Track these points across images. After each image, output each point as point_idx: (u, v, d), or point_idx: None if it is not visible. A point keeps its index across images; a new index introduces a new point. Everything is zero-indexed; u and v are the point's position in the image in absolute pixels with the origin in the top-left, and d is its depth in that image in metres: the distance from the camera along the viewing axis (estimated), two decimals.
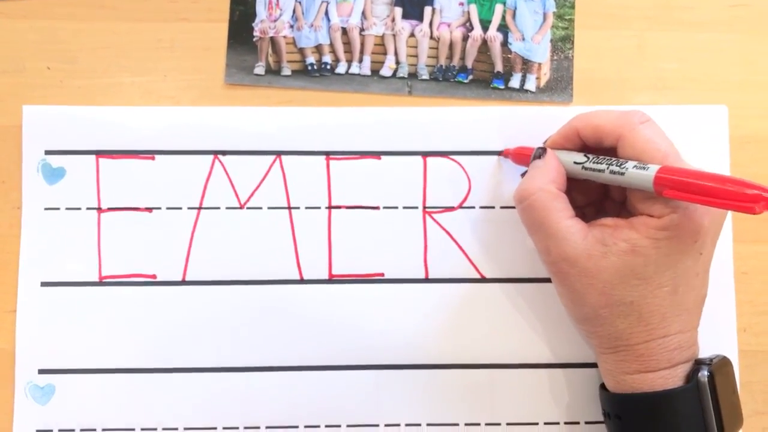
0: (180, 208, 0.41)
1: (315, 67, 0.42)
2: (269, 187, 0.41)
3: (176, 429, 0.40)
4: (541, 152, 0.37)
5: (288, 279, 0.41)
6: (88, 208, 0.41)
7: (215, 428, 0.40)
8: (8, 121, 0.41)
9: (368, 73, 0.42)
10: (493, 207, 0.41)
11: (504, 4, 0.42)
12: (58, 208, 0.41)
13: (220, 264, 0.41)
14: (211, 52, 0.42)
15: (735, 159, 0.42)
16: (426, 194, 0.41)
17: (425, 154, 0.41)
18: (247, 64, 0.42)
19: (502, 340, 0.41)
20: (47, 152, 0.41)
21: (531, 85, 0.42)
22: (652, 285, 0.34)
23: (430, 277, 0.41)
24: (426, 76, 0.42)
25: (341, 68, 0.42)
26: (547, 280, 0.41)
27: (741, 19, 0.43)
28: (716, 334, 0.40)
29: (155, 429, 0.40)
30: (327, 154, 0.41)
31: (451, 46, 0.42)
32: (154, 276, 0.41)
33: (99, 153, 0.41)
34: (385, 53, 0.42)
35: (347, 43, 0.42)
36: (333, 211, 0.41)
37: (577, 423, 0.41)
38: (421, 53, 0.42)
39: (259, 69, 0.42)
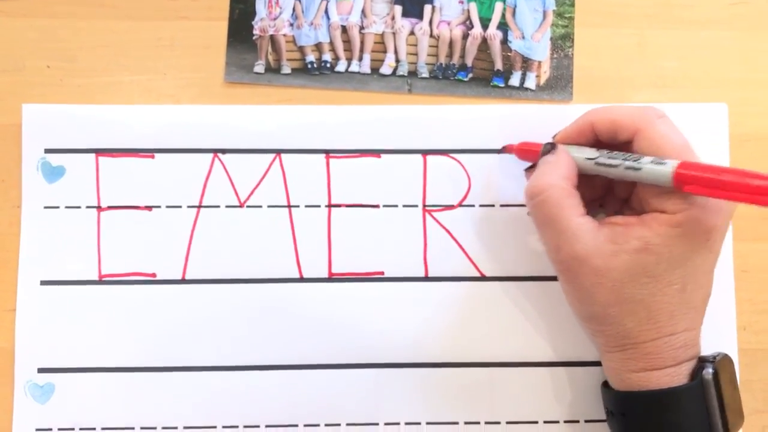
0: (180, 207, 0.41)
1: (315, 66, 0.42)
2: (269, 186, 0.41)
3: (176, 428, 0.40)
4: (550, 147, 0.37)
5: (288, 277, 0.41)
6: (87, 207, 0.41)
7: (215, 427, 0.40)
8: (8, 120, 0.41)
9: (368, 71, 0.42)
10: (493, 205, 0.41)
11: (504, 2, 0.42)
12: (57, 207, 0.41)
13: (220, 263, 0.41)
14: (210, 51, 0.42)
15: (735, 157, 0.42)
16: (426, 192, 0.41)
17: (425, 153, 0.41)
18: (247, 63, 0.42)
19: (502, 338, 0.41)
20: (47, 151, 0.41)
21: (531, 83, 0.42)
22: (662, 283, 0.34)
23: (429, 275, 0.41)
24: (426, 75, 0.42)
25: (341, 66, 0.42)
26: (547, 279, 0.41)
27: (741, 17, 0.43)
28: (716, 333, 0.40)
29: (155, 428, 0.40)
30: (327, 152, 0.41)
31: (450, 44, 0.42)
32: (153, 275, 0.41)
33: (99, 151, 0.41)
34: (384, 51, 0.42)
35: (347, 42, 0.42)
36: (333, 209, 0.41)
37: (577, 422, 0.41)
38: (420, 51, 0.42)
39: (259, 67, 0.42)
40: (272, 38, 0.42)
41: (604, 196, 0.39)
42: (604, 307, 0.35)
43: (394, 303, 0.41)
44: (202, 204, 0.41)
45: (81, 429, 0.40)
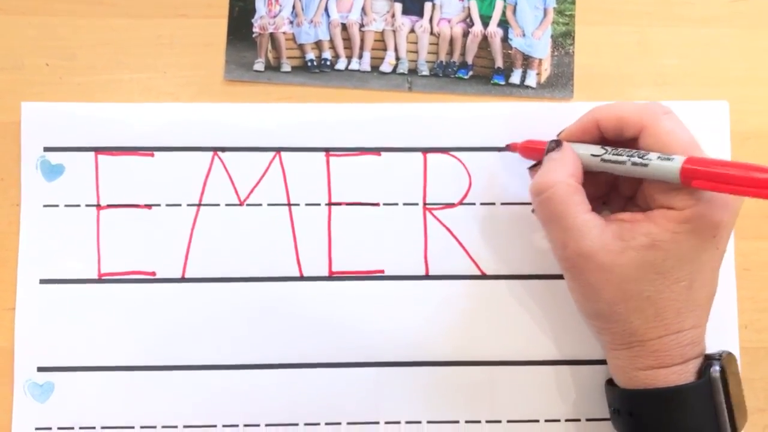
0: (179, 205, 0.41)
1: (315, 63, 0.42)
2: (269, 184, 0.41)
3: (176, 427, 0.40)
4: (555, 145, 0.37)
5: (288, 276, 0.41)
6: (87, 205, 0.41)
7: (215, 426, 0.40)
8: (7, 118, 0.41)
9: (368, 69, 0.42)
10: (494, 203, 0.41)
11: None
12: (57, 205, 0.41)
13: (220, 261, 0.41)
14: (210, 49, 0.42)
15: (736, 155, 0.42)
16: (426, 191, 0.41)
17: (425, 151, 0.41)
18: (247, 61, 0.42)
19: (503, 337, 0.41)
20: (46, 149, 0.41)
21: (531, 80, 0.42)
22: (669, 279, 0.34)
23: (430, 274, 0.41)
24: (426, 72, 0.42)
25: (341, 64, 0.42)
26: (548, 277, 0.41)
27: (741, 15, 0.43)
28: (718, 331, 0.40)
29: (155, 427, 0.40)
30: (327, 150, 0.41)
31: (451, 41, 0.42)
32: (153, 273, 0.41)
33: (98, 150, 0.41)
34: (385, 49, 0.42)
35: (347, 39, 0.42)
36: (333, 207, 0.41)
37: (578, 420, 0.41)
38: (421, 49, 0.42)
39: (259, 65, 0.42)
40: (272, 36, 0.42)
41: (609, 193, 0.39)
42: (611, 304, 0.35)
43: (395, 302, 0.41)
44: (202, 202, 0.41)
45: (81, 428, 0.40)
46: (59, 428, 0.40)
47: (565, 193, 0.35)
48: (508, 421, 0.40)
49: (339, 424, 0.40)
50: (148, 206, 0.41)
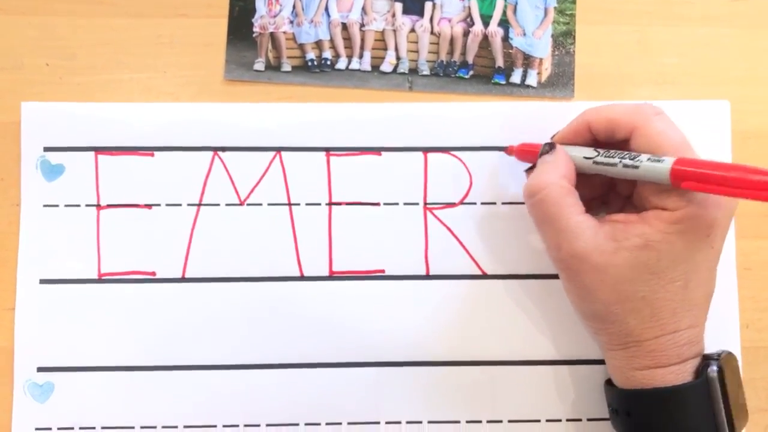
0: (179, 205, 0.41)
1: (315, 63, 0.42)
2: (269, 184, 0.41)
3: (176, 427, 0.40)
4: (549, 147, 0.37)
5: (288, 276, 0.41)
6: (87, 205, 0.41)
7: (215, 426, 0.40)
8: (7, 118, 0.41)
9: (368, 68, 0.42)
10: (495, 203, 0.41)
11: None
12: (57, 205, 0.41)
13: (220, 261, 0.41)
14: (210, 48, 0.42)
15: (737, 154, 0.42)
16: (427, 190, 0.41)
17: (426, 150, 0.41)
18: (247, 60, 0.42)
19: (503, 337, 0.41)
20: (46, 149, 0.41)
21: (532, 80, 0.42)
22: (664, 280, 0.34)
23: (431, 273, 0.41)
24: (427, 72, 0.42)
25: (341, 64, 0.42)
26: (549, 277, 0.41)
27: (742, 14, 0.43)
28: (719, 331, 0.40)
29: (155, 427, 0.40)
30: (327, 150, 0.41)
31: (451, 41, 0.42)
32: (153, 273, 0.41)
33: (98, 150, 0.41)
34: (385, 49, 0.42)
35: (347, 39, 0.42)
36: (333, 207, 0.41)
37: (579, 420, 0.41)
38: (421, 49, 0.42)
39: (259, 65, 0.42)
40: (272, 36, 0.42)
41: (607, 193, 0.39)
42: (606, 305, 0.35)
43: (395, 301, 0.41)
44: (202, 202, 0.41)
45: (81, 428, 0.40)
46: (59, 428, 0.40)
47: (558, 194, 0.35)
48: (509, 421, 0.40)
49: (339, 424, 0.40)
50: (148, 206, 0.41)
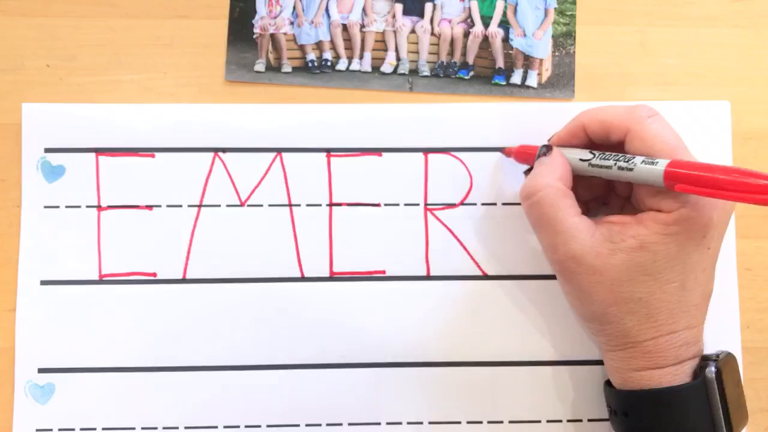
0: (180, 206, 0.41)
1: (315, 64, 0.42)
2: (270, 185, 0.41)
3: (177, 428, 0.40)
4: (546, 149, 0.37)
5: (289, 277, 0.41)
6: (87, 206, 0.41)
7: (216, 427, 0.40)
8: (7, 119, 0.41)
9: (369, 69, 0.42)
10: (495, 204, 0.41)
11: (505, 0, 0.42)
12: (57, 206, 0.41)
13: (221, 262, 0.41)
14: (210, 49, 0.42)
15: (737, 155, 0.42)
16: (427, 191, 0.41)
17: (426, 151, 0.41)
18: (247, 61, 0.42)
19: (504, 337, 0.41)
20: (47, 150, 0.41)
21: (532, 81, 0.42)
22: (660, 281, 0.34)
23: (431, 274, 0.41)
24: (427, 73, 0.42)
25: (342, 65, 0.42)
26: (549, 278, 0.41)
27: (743, 14, 0.43)
28: (719, 331, 0.40)
29: (156, 428, 0.40)
30: (328, 151, 0.41)
31: (452, 42, 0.42)
32: (154, 274, 0.41)
33: (99, 151, 0.41)
34: (385, 50, 0.42)
35: (348, 40, 0.42)
36: (334, 208, 0.41)
37: (580, 420, 0.41)
38: (422, 49, 0.42)
39: (260, 66, 0.42)
40: (273, 37, 0.42)
41: (607, 194, 0.39)
42: (603, 306, 0.35)
43: (396, 302, 0.41)
44: (203, 203, 0.41)
45: (82, 429, 0.40)
46: (60, 429, 0.40)
47: (555, 196, 0.35)
48: (510, 422, 0.40)
49: (340, 424, 0.40)
50: (149, 207, 0.41)
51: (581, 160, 0.36)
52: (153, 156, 0.41)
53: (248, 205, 0.41)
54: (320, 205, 0.41)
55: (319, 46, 0.42)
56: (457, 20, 0.42)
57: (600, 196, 0.39)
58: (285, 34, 0.42)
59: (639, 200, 0.35)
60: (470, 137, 0.41)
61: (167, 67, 0.42)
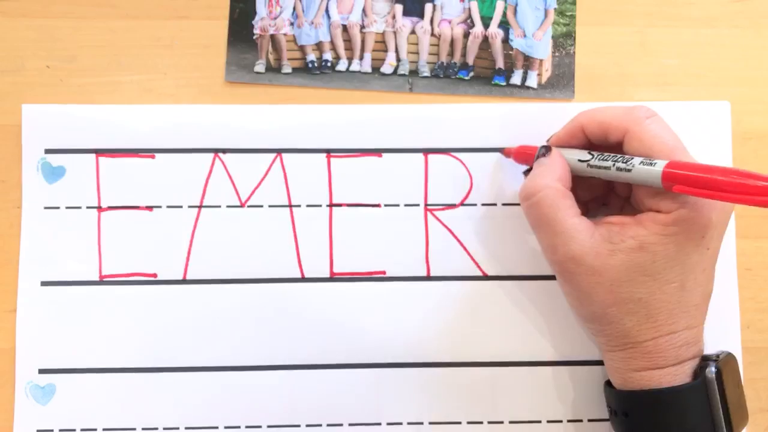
0: (180, 207, 0.41)
1: (315, 65, 0.42)
2: (270, 186, 0.41)
3: (177, 428, 0.40)
4: (545, 150, 0.37)
5: (289, 277, 0.41)
6: (88, 207, 0.41)
7: (216, 428, 0.40)
8: (8, 120, 0.41)
9: (369, 70, 0.42)
10: (495, 204, 0.41)
11: (505, 0, 0.42)
12: (58, 207, 0.41)
13: (221, 263, 0.41)
14: (211, 50, 0.42)
15: (737, 155, 0.42)
16: (427, 192, 0.41)
17: (426, 152, 0.41)
18: (248, 62, 0.42)
19: (504, 338, 0.41)
20: (47, 151, 0.41)
21: (532, 81, 0.42)
22: (659, 281, 0.34)
23: (431, 275, 0.41)
24: (427, 73, 0.42)
25: (342, 66, 0.42)
26: (550, 278, 0.41)
27: (743, 15, 0.43)
28: (719, 331, 0.40)
29: (156, 429, 0.40)
30: (328, 151, 0.41)
31: (452, 43, 0.42)
32: (154, 275, 0.41)
33: (99, 152, 0.41)
34: (385, 50, 0.42)
35: (348, 41, 0.42)
36: (334, 209, 0.41)
37: (580, 421, 0.41)
38: (422, 50, 0.42)
39: (260, 67, 0.42)
40: (273, 37, 0.42)
41: (607, 195, 0.39)
42: (603, 306, 0.35)
43: (396, 303, 0.41)
44: (203, 204, 0.41)
45: (82, 430, 0.40)
46: (61, 430, 0.40)
47: (554, 197, 0.35)
48: (510, 422, 0.40)
49: (341, 425, 0.40)
50: (149, 208, 0.41)
51: (580, 160, 0.36)
52: (153, 157, 0.41)
53: (248, 206, 0.41)
54: (320, 205, 0.41)
55: (319, 46, 0.42)
56: (457, 21, 0.42)
57: (600, 196, 0.39)
58: (285, 34, 0.42)
59: (638, 201, 0.35)
60: (470, 138, 0.41)
61: (167, 68, 0.42)
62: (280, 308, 0.41)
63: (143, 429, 0.40)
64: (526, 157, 0.39)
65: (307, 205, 0.41)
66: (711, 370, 0.34)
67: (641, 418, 0.35)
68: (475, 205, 0.41)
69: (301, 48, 0.42)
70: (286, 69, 0.42)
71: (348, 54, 0.42)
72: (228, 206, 0.41)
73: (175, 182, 0.41)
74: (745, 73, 0.42)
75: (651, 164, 0.33)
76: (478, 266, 0.41)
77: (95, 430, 0.40)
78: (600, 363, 0.40)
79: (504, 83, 0.42)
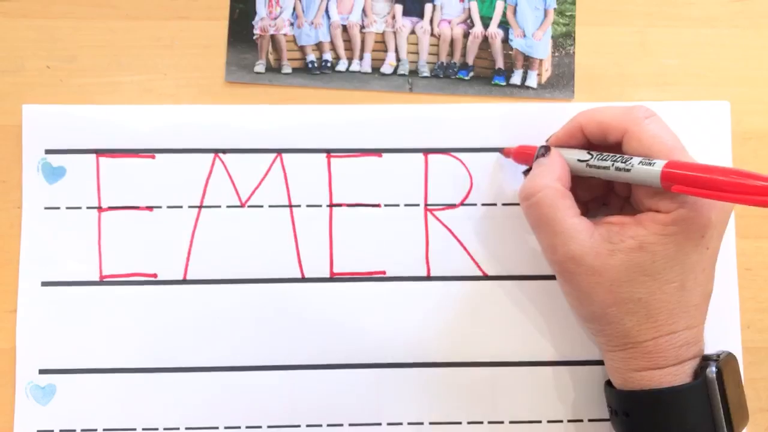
0: (181, 207, 0.41)
1: (315, 65, 0.42)
2: (270, 186, 0.41)
3: (177, 429, 0.40)
4: (544, 150, 0.37)
5: (289, 277, 0.41)
6: (88, 207, 0.41)
7: (217, 428, 0.40)
8: (8, 121, 0.41)
9: (369, 70, 0.42)
10: (495, 204, 0.41)
11: (505, 0, 0.42)
12: (58, 208, 0.41)
13: (221, 263, 0.41)
14: (211, 50, 0.42)
15: (737, 155, 0.42)
16: (427, 192, 0.41)
17: (426, 152, 0.41)
18: (248, 62, 0.42)
19: (504, 338, 0.41)
20: (47, 151, 0.41)
21: (532, 81, 0.42)
22: (659, 281, 0.34)
23: (431, 275, 0.41)
24: (427, 73, 0.42)
25: (342, 66, 0.42)
26: (550, 278, 0.41)
27: (742, 14, 0.43)
28: (720, 331, 0.40)
29: (156, 429, 0.40)
30: (328, 151, 0.41)
31: (451, 43, 0.42)
32: (154, 275, 0.41)
33: (99, 152, 0.41)
34: (385, 50, 0.42)
35: (348, 41, 0.42)
36: (334, 209, 0.41)
37: (581, 421, 0.41)
38: (421, 50, 0.42)
39: (260, 67, 0.42)
40: (273, 38, 0.42)
41: (607, 194, 0.39)
42: (603, 306, 0.35)
43: (396, 303, 0.41)
44: (203, 204, 0.41)
45: (82, 430, 0.40)
46: (61, 430, 0.40)
47: (553, 197, 0.35)
48: (511, 422, 0.40)
49: (341, 425, 0.40)
50: (150, 208, 0.41)
51: (579, 160, 0.36)
52: (153, 157, 0.41)
53: (248, 206, 0.41)
54: (320, 205, 0.41)
55: (319, 47, 0.42)
56: (456, 21, 0.42)
57: (600, 196, 0.39)
58: (285, 35, 0.42)
59: (638, 201, 0.35)
60: (470, 138, 0.41)
61: (167, 69, 0.42)
62: (280, 308, 0.41)
63: (143, 429, 0.40)
64: (526, 157, 0.39)
65: (307, 205, 0.41)
66: (711, 370, 0.34)
67: (642, 418, 0.35)
68: (475, 205, 0.41)
69: (301, 48, 0.42)
70: (286, 69, 0.42)
71: (348, 54, 0.42)
72: (228, 206, 0.41)
73: (175, 182, 0.41)
74: (745, 73, 0.42)
75: (650, 164, 0.33)
76: (478, 266, 0.41)
77: (95, 430, 0.40)
78: (600, 363, 0.40)
79: (504, 83, 0.42)
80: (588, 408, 0.41)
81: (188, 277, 0.41)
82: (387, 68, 0.42)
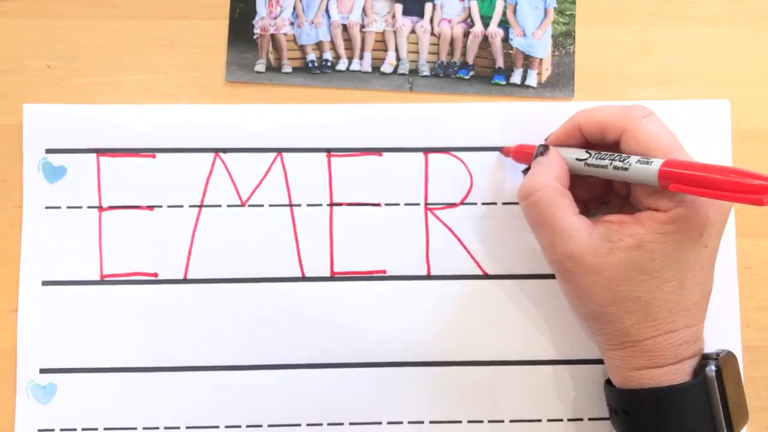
0: (181, 207, 0.41)
1: (316, 64, 0.42)
2: (270, 185, 0.41)
3: (178, 428, 0.40)
4: (543, 149, 0.37)
5: (290, 277, 0.41)
6: (89, 207, 0.41)
7: (217, 427, 0.40)
8: (9, 120, 0.41)
9: (369, 69, 0.42)
10: (495, 203, 0.41)
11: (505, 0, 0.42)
12: (59, 207, 0.41)
13: (222, 262, 0.41)
14: (211, 50, 0.42)
15: (737, 154, 0.42)
16: (428, 191, 0.41)
17: (426, 151, 0.41)
18: (248, 62, 0.42)
19: (505, 337, 0.41)
20: (48, 151, 0.41)
21: (532, 80, 0.42)
22: (658, 280, 0.34)
23: (432, 274, 0.41)
24: (427, 73, 0.42)
25: (342, 65, 0.42)
26: (550, 277, 0.41)
27: (742, 13, 0.43)
28: (720, 330, 0.40)
29: (157, 428, 0.40)
30: (328, 151, 0.41)
31: (452, 42, 0.42)
32: (155, 274, 0.41)
33: (100, 151, 0.41)
34: (385, 50, 0.42)
35: (348, 40, 0.42)
36: (334, 208, 0.41)
37: (581, 420, 0.41)
38: (422, 49, 0.42)
39: (260, 66, 0.42)
40: (273, 37, 0.42)
41: (606, 193, 0.39)
42: (602, 305, 0.35)
43: (397, 302, 0.41)
44: (204, 203, 0.41)
45: (83, 429, 0.40)
46: (62, 430, 0.40)
47: (552, 195, 0.35)
48: (511, 421, 0.40)
49: (341, 424, 0.40)
50: (150, 207, 0.41)
51: (577, 159, 0.36)
52: (154, 156, 0.41)
53: (249, 205, 0.41)
54: (321, 205, 0.41)
55: (319, 46, 0.42)
56: (456, 20, 0.42)
57: (599, 195, 0.39)
58: (285, 34, 0.42)
59: (636, 199, 0.35)
60: (470, 137, 0.41)
61: (168, 68, 0.42)
62: (280, 308, 0.41)
63: (144, 428, 0.40)
64: (525, 156, 0.39)
65: (308, 205, 0.41)
66: (711, 369, 0.34)
67: (641, 417, 0.35)
68: (476, 204, 0.41)
69: (301, 47, 0.42)
70: (287, 68, 0.42)
71: (348, 53, 0.42)
72: (228, 206, 0.41)
73: (175, 182, 0.41)
74: (745, 72, 0.42)
75: (647, 163, 0.33)
76: (479, 265, 0.41)
77: (96, 429, 0.40)
78: (600, 362, 0.40)
79: (504, 82, 0.42)
80: (588, 407, 0.41)
81: (189, 277, 0.41)
82: (387, 67, 0.42)
